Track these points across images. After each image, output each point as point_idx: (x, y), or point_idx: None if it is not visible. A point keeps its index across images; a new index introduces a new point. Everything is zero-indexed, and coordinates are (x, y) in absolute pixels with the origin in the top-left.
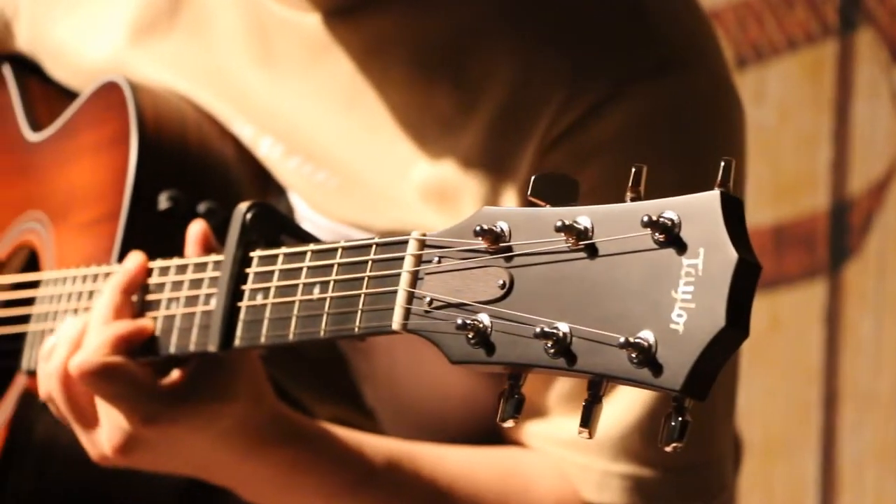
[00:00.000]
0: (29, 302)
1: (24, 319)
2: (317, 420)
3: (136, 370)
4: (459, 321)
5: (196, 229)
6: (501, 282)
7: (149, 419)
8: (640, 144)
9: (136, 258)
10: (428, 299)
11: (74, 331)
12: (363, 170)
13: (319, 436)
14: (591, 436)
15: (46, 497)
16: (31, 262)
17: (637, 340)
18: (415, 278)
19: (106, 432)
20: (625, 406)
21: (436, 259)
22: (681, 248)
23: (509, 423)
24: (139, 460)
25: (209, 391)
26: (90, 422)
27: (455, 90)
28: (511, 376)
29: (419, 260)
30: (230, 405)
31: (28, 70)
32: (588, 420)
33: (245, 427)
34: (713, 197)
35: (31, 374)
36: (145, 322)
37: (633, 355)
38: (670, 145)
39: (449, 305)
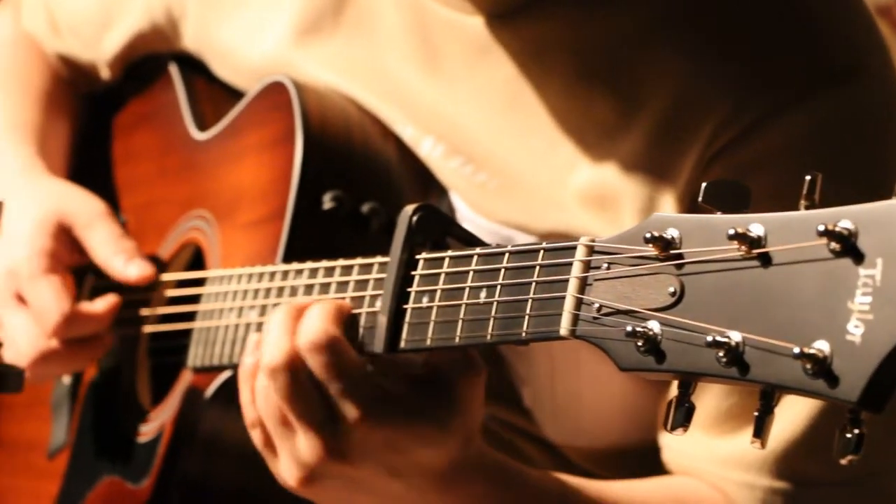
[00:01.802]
0: (194, 299)
1: (190, 317)
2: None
3: (357, 358)
4: (629, 328)
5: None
6: (672, 289)
7: (363, 402)
8: (809, 155)
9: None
10: (597, 305)
11: (274, 338)
12: (523, 172)
13: (504, 471)
14: (762, 446)
15: (211, 490)
16: (197, 259)
17: (812, 351)
18: (583, 284)
19: (317, 427)
20: (787, 421)
21: (605, 265)
22: (857, 257)
23: (679, 432)
24: (346, 474)
25: (430, 414)
26: (294, 434)
27: (616, 96)
28: (681, 384)
29: (588, 266)
30: (446, 437)
31: (194, 69)
32: (760, 431)
33: (452, 461)
34: (891, 206)
35: (197, 370)
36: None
37: (808, 366)
38: (842, 156)
39: (618, 312)
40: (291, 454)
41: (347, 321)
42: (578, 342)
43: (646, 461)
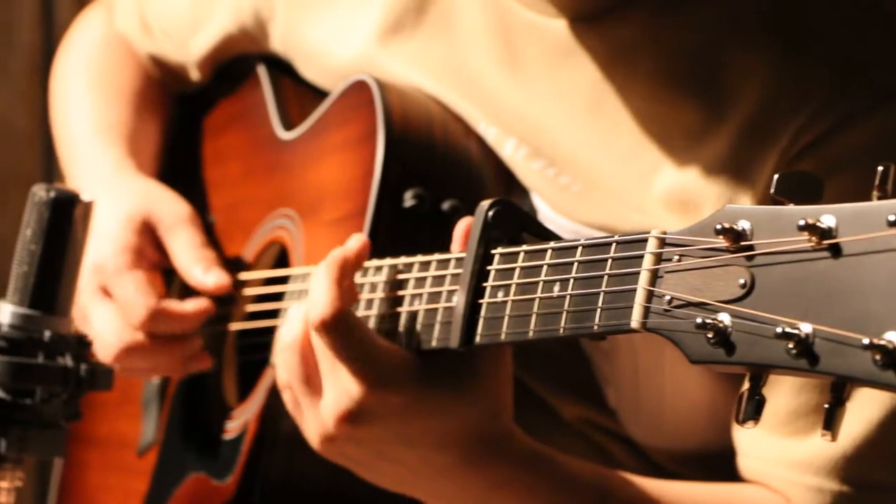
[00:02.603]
0: (279, 297)
1: (275, 314)
2: (562, 423)
3: (371, 331)
4: (699, 320)
5: (463, 226)
6: (742, 281)
7: (380, 382)
8: (889, 156)
9: (356, 240)
10: (668, 298)
11: (317, 290)
12: (606, 175)
13: (535, 457)
14: (833, 438)
15: (294, 488)
16: (282, 258)
17: (882, 342)
18: (654, 276)
19: (332, 399)
20: (857, 424)
21: (675, 257)
22: None
23: (749, 425)
24: (359, 435)
25: (449, 382)
26: (317, 398)
27: (700, 99)
28: (752, 377)
29: (659, 258)
30: (464, 406)
31: (282, 70)
32: (831, 423)
33: (471, 436)
34: None
35: None
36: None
37: (878, 357)
38: None
39: (689, 304)
40: (314, 415)
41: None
42: (661, 339)
43: (729, 464)
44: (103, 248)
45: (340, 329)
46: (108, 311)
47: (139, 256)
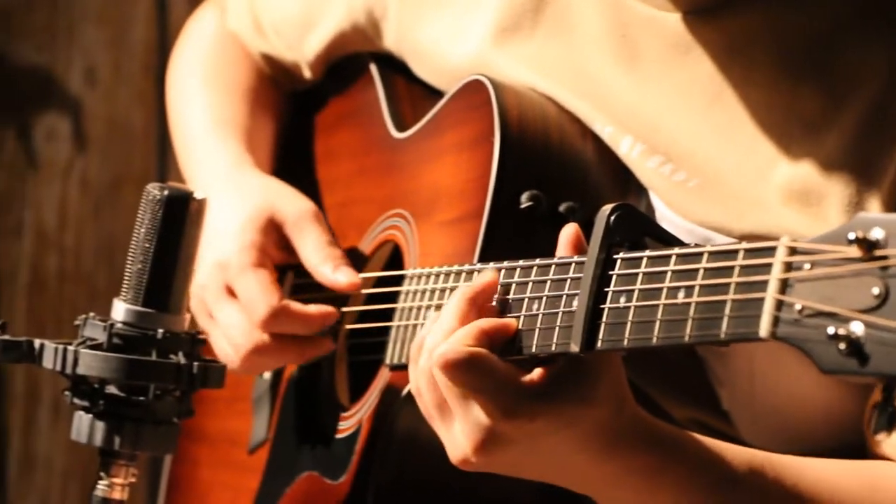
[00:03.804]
0: (393, 297)
1: (388, 315)
2: (675, 425)
3: (498, 364)
4: (831, 330)
5: (570, 231)
6: (876, 291)
7: (508, 413)
8: None
9: (490, 274)
10: (798, 307)
11: (444, 326)
12: (724, 171)
13: (679, 441)
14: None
15: (406, 489)
16: (395, 258)
17: None
18: (784, 285)
19: (465, 430)
20: None
21: (806, 266)
22: None
23: (882, 436)
24: (498, 461)
25: (573, 392)
26: (452, 422)
27: (820, 90)
28: (884, 388)
29: (788, 267)
30: (593, 409)
31: (394, 69)
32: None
33: (605, 431)
34: None
35: (395, 368)
36: (509, 320)
37: None
38: None
39: (820, 314)
40: (449, 438)
41: (495, 331)
42: (780, 345)
43: None
44: (227, 245)
45: (463, 367)
46: (233, 310)
47: (263, 254)
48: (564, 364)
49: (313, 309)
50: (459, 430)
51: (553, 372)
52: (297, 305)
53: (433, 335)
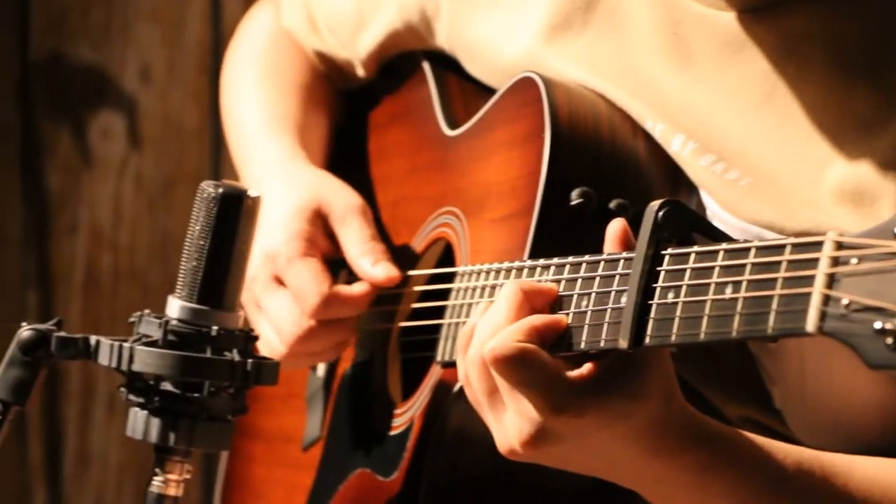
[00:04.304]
0: (444, 295)
1: (440, 312)
2: (725, 423)
3: (548, 360)
4: (878, 325)
5: (617, 226)
6: None
7: (558, 409)
8: None
9: (552, 285)
10: (845, 302)
11: (497, 318)
12: (776, 170)
13: (730, 439)
14: None
15: (458, 485)
16: (447, 255)
17: None
18: (831, 280)
19: (514, 423)
20: None
21: (853, 260)
22: None
23: None
24: (546, 454)
25: (621, 388)
26: (502, 412)
27: (874, 90)
28: None
29: (836, 262)
30: (641, 404)
31: (447, 67)
32: None
33: (655, 427)
34: None
35: (446, 365)
36: (559, 317)
37: None
38: None
39: (867, 308)
40: (499, 429)
41: (545, 327)
42: (829, 341)
43: None
44: (276, 236)
45: (513, 363)
46: (282, 299)
47: (311, 244)
48: (613, 360)
49: (357, 288)
50: (509, 422)
51: (602, 368)
52: (345, 288)
53: (484, 324)
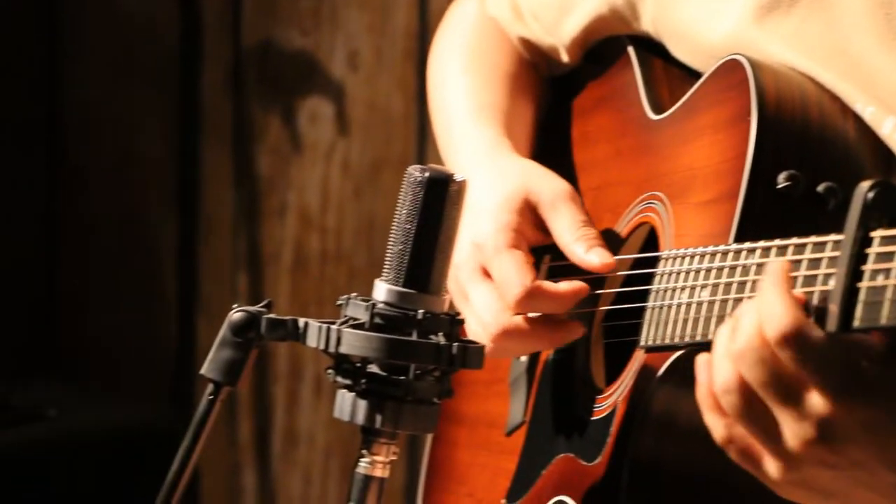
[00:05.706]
0: (648, 279)
1: (644, 296)
2: None
3: (825, 337)
4: None
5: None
6: None
7: (846, 393)
8: None
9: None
10: None
11: (770, 298)
12: None
13: None
14: None
15: (662, 471)
16: (651, 239)
17: None
18: None
19: (795, 425)
20: None
21: None
22: None
23: None
24: (835, 461)
25: None
26: (771, 425)
27: None
28: None
29: None
30: None
31: (651, 51)
32: None
33: None
34: None
35: (650, 350)
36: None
37: None
38: None
39: None
40: (772, 448)
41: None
42: None
43: None
44: (484, 226)
45: (801, 341)
46: (486, 291)
47: (519, 235)
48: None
49: (564, 286)
50: (788, 430)
51: (878, 358)
52: (549, 284)
53: (752, 312)
